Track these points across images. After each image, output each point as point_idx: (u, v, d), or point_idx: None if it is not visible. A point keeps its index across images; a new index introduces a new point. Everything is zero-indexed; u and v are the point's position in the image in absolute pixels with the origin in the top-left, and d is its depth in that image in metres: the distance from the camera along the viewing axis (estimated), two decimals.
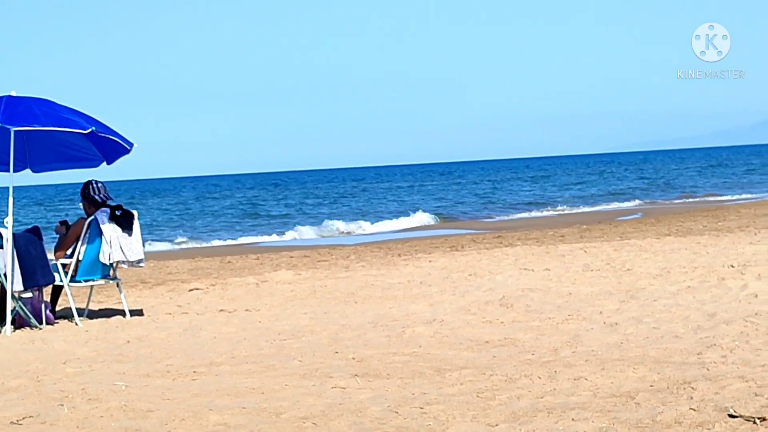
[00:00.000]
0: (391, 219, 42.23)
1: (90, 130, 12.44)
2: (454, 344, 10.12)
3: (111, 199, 13.22)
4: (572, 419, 6.73)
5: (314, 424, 6.98)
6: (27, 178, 14.45)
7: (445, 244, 25.62)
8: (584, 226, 30.31)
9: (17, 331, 12.18)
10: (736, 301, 11.66)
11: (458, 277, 15.74)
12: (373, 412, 7.25)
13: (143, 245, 13.44)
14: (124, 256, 12.98)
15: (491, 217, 42.87)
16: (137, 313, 13.47)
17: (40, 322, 12.48)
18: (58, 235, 13.31)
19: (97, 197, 13.12)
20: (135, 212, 13.21)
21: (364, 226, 39.26)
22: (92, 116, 12.86)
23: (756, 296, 11.79)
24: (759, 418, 6.44)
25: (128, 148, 13.26)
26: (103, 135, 12.84)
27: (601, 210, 43.76)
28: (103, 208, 13.03)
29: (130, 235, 13.02)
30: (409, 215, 43.07)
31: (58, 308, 13.44)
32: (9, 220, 12.11)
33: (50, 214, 63.59)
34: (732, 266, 14.39)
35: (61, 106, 12.74)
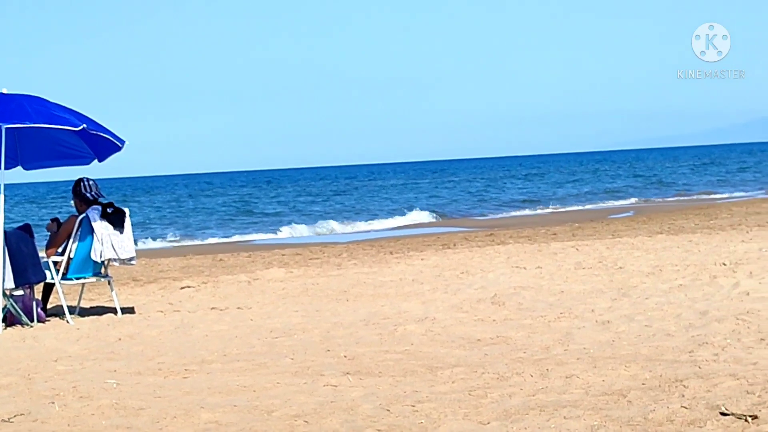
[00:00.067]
0: (387, 217, 42.23)
1: (81, 127, 12.41)
2: (446, 342, 10.11)
3: (102, 196, 13.20)
4: (564, 417, 6.73)
5: (306, 422, 6.97)
6: (18, 175, 14.44)
7: (438, 242, 25.62)
8: (576, 224, 30.32)
9: (8, 329, 12.15)
10: (728, 299, 11.66)
11: (450, 275, 15.74)
12: (365, 410, 7.24)
13: (135, 243, 13.42)
14: (116, 253, 12.96)
15: (484, 215, 42.87)
16: (129, 310, 13.45)
17: (32, 320, 12.46)
18: (49, 233, 13.28)
19: (88, 195, 13.10)
20: (126, 210, 13.19)
21: (359, 224, 39.24)
22: (84, 114, 12.84)
23: (748, 294, 11.79)
24: (750, 416, 6.44)
25: (120, 145, 13.24)
26: (94, 132, 12.82)
27: (593, 208, 43.77)
28: (95, 206, 13.01)
29: (121, 232, 13.00)
30: (404, 213, 43.08)
31: (49, 306, 13.42)
32: (0, 218, 12.08)
33: (42, 211, 63.48)
34: (724, 264, 14.41)
35: (52, 103, 12.71)
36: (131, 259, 13.18)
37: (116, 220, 12.98)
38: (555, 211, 43.63)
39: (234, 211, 54.17)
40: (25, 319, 12.34)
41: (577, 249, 18.79)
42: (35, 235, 12.81)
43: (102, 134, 12.91)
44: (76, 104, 13.00)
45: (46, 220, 14.44)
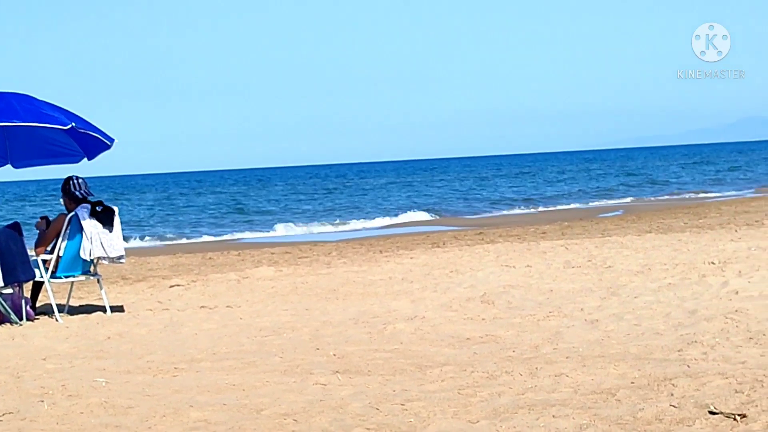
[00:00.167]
0: (378, 216, 42.19)
1: (70, 125, 12.40)
2: (435, 341, 10.12)
3: (92, 195, 13.18)
4: (553, 416, 6.74)
5: (295, 420, 6.97)
6: (8, 173, 14.42)
7: (427, 240, 25.62)
8: (566, 223, 30.33)
9: None
10: (717, 298, 11.68)
11: (440, 274, 15.74)
12: (354, 408, 7.24)
13: (124, 241, 13.41)
14: (105, 252, 12.94)
15: (474, 214, 42.88)
16: (118, 309, 13.44)
17: (20, 319, 12.44)
18: (38, 231, 13.26)
19: (77, 193, 13.07)
20: (116, 208, 13.17)
21: (350, 223, 39.20)
22: (73, 112, 12.83)
23: (736, 293, 11.81)
24: (739, 415, 6.46)
25: (109, 143, 13.23)
26: (83, 131, 12.81)
27: (583, 207, 43.80)
28: (84, 204, 12.99)
29: (110, 231, 12.99)
30: (396, 212, 43.08)
31: (38, 304, 13.40)
32: None
33: (31, 209, 63.37)
34: (713, 263, 14.42)
35: (41, 101, 12.69)
36: (120, 257, 13.16)
37: (105, 218, 12.97)
38: (544, 210, 43.65)
39: (224, 210, 54.11)
40: (14, 317, 12.32)
41: (566, 248, 18.81)
42: (24, 234, 12.80)
43: (91, 133, 12.90)
44: (69, 102, 13.00)
45: (36, 218, 14.42)
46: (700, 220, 27.06)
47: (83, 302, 14.50)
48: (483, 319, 11.31)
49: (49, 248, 13.05)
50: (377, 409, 7.21)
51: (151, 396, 7.96)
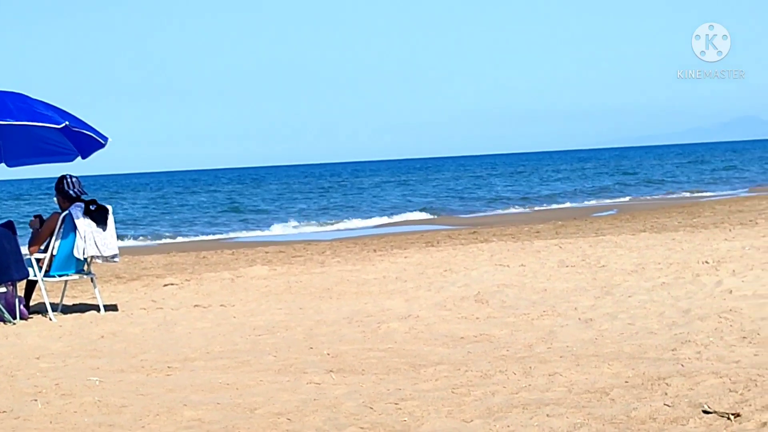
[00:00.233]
0: (373, 215, 42.19)
1: (64, 124, 12.39)
2: (429, 340, 10.12)
3: (85, 193, 13.16)
4: (547, 415, 6.74)
5: (289, 419, 6.97)
6: (1, 172, 14.41)
7: (421, 240, 25.62)
8: (560, 222, 30.35)
9: None
10: (711, 297, 11.69)
11: (433, 273, 15.74)
12: (348, 407, 7.24)
13: (118, 240, 13.40)
14: (99, 250, 12.93)
15: (468, 213, 42.87)
16: (111, 308, 13.42)
17: (14, 317, 12.42)
18: (32, 230, 13.25)
19: (71, 192, 13.06)
20: (110, 207, 13.16)
21: (345, 222, 39.18)
22: (66, 111, 12.81)
23: (730, 292, 11.82)
24: (733, 414, 6.46)
25: (102, 142, 13.23)
26: (77, 129, 12.79)
27: (577, 206, 43.82)
28: (78, 203, 12.97)
29: (104, 229, 12.97)
30: (392, 211, 43.07)
31: (32, 303, 13.38)
32: None
33: (25, 208, 63.29)
34: (707, 262, 14.44)
35: (35, 100, 12.68)
36: (114, 256, 13.15)
37: (99, 217, 12.96)
38: (538, 209, 43.65)
39: (218, 209, 54.07)
40: (7, 316, 12.31)
41: (560, 247, 18.81)
42: (18, 232, 12.78)
43: (85, 131, 12.89)
44: (63, 101, 13.00)
45: (29, 216, 14.38)
46: (694, 220, 27.08)
47: (77, 301, 14.49)
48: (477, 318, 11.31)
49: (42, 247, 13.03)
50: (371, 408, 7.21)
51: (145, 395, 7.96)
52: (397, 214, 42.31)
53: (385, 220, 39.97)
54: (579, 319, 10.86)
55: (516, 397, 7.33)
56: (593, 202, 46.11)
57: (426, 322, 11.21)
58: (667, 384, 7.45)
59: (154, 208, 58.41)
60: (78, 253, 12.87)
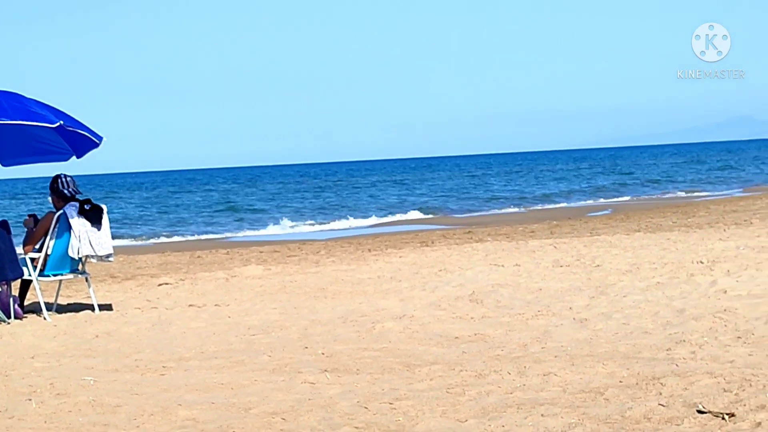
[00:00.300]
0: (369, 215, 42.18)
1: (58, 123, 12.38)
2: (424, 340, 10.12)
3: (80, 193, 13.15)
4: (541, 415, 6.74)
5: (283, 419, 6.97)
6: None
7: (416, 239, 25.61)
8: (554, 222, 30.36)
9: None
10: (705, 297, 11.70)
11: (428, 273, 15.74)
12: (343, 407, 7.24)
13: (112, 239, 13.39)
14: (93, 250, 12.92)
15: (463, 213, 42.87)
16: (106, 307, 13.42)
17: (9, 317, 12.41)
18: (26, 229, 13.24)
19: (65, 191, 13.05)
20: (104, 206, 13.15)
21: (340, 222, 39.16)
22: (61, 110, 12.80)
23: (725, 292, 11.83)
24: (728, 414, 6.47)
25: (97, 141, 13.22)
26: (71, 129, 12.79)
27: (572, 206, 43.83)
28: (72, 202, 12.96)
29: (99, 229, 12.96)
30: (388, 210, 43.08)
31: (26, 303, 13.36)
32: None
33: (20, 207, 63.24)
34: (701, 262, 14.45)
35: (29, 99, 12.67)
36: (109, 255, 13.14)
37: (94, 216, 12.95)
38: (533, 208, 43.65)
39: (213, 209, 54.05)
40: (1, 315, 12.30)
41: (555, 247, 18.82)
42: (12, 232, 12.76)
43: (79, 131, 12.89)
44: (57, 100, 12.99)
45: (24, 216, 14.37)
46: (689, 219, 27.10)
47: (71, 300, 14.48)
48: (471, 318, 11.31)
49: (37, 246, 13.02)
50: (366, 407, 7.21)
51: (140, 394, 7.95)
52: (392, 213, 42.32)
53: (380, 219, 39.96)
54: (574, 318, 10.87)
55: (511, 397, 7.33)
56: (588, 202, 46.11)
57: (421, 321, 11.21)
58: (661, 384, 7.45)
59: (148, 208, 58.38)
60: (72, 253, 12.86)
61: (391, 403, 7.29)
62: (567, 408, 6.89)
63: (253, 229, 36.91)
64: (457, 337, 10.16)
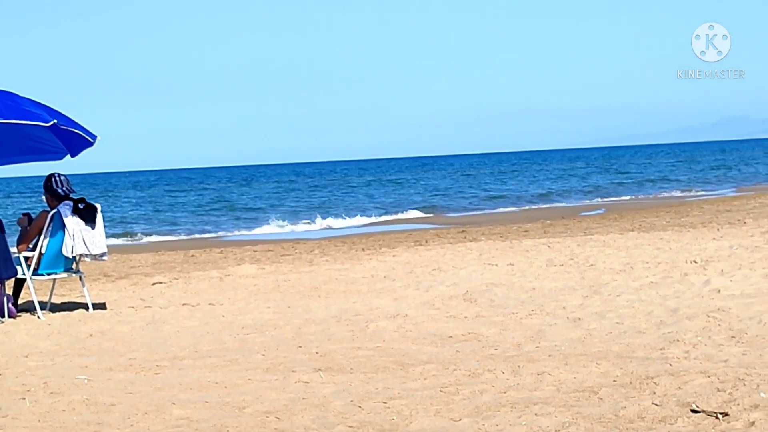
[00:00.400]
0: (365, 214, 42.16)
1: (52, 122, 12.36)
2: (418, 339, 10.12)
3: (74, 192, 13.14)
4: (535, 414, 6.75)
5: (277, 418, 6.97)
6: None
7: (409, 238, 25.61)
8: (548, 222, 30.35)
9: None
10: (699, 296, 11.71)
11: (422, 272, 15.74)
12: (337, 406, 7.24)
13: (106, 238, 13.39)
14: (87, 249, 12.91)
15: (457, 212, 42.86)
16: (100, 306, 13.41)
17: (2, 316, 12.41)
18: (20, 228, 13.23)
19: (59, 190, 13.04)
20: (98, 205, 13.15)
21: (336, 221, 39.14)
22: (55, 109, 12.79)
23: (718, 292, 11.84)
24: (721, 413, 6.48)
25: (91, 140, 13.21)
26: (65, 128, 12.77)
27: (566, 205, 43.83)
28: (66, 201, 12.96)
29: (93, 228, 12.96)
30: (383, 209, 43.07)
31: (20, 301, 13.36)
32: None
33: (14, 206, 63.15)
34: (695, 262, 14.46)
35: (23, 98, 12.66)
36: (103, 254, 13.13)
37: (87, 215, 12.94)
38: (527, 208, 43.64)
39: (207, 208, 53.99)
40: None
41: (548, 246, 18.82)
42: (6, 230, 12.75)
43: (73, 129, 12.87)
44: (51, 99, 12.99)
45: (18, 215, 14.37)
46: (683, 219, 27.11)
47: (65, 299, 14.47)
48: (465, 317, 11.32)
49: (31, 245, 13.01)
50: (359, 406, 7.21)
51: (134, 393, 7.95)
52: (386, 212, 42.30)
53: (374, 218, 39.93)
54: (567, 318, 10.88)
55: (504, 396, 7.34)
56: (581, 202, 46.10)
57: (414, 320, 11.22)
58: (655, 383, 7.46)
59: (143, 207, 58.32)
60: (66, 252, 12.85)
61: (384, 402, 7.29)
62: (561, 407, 6.90)
63: (247, 228, 36.86)
64: (450, 336, 10.17)
